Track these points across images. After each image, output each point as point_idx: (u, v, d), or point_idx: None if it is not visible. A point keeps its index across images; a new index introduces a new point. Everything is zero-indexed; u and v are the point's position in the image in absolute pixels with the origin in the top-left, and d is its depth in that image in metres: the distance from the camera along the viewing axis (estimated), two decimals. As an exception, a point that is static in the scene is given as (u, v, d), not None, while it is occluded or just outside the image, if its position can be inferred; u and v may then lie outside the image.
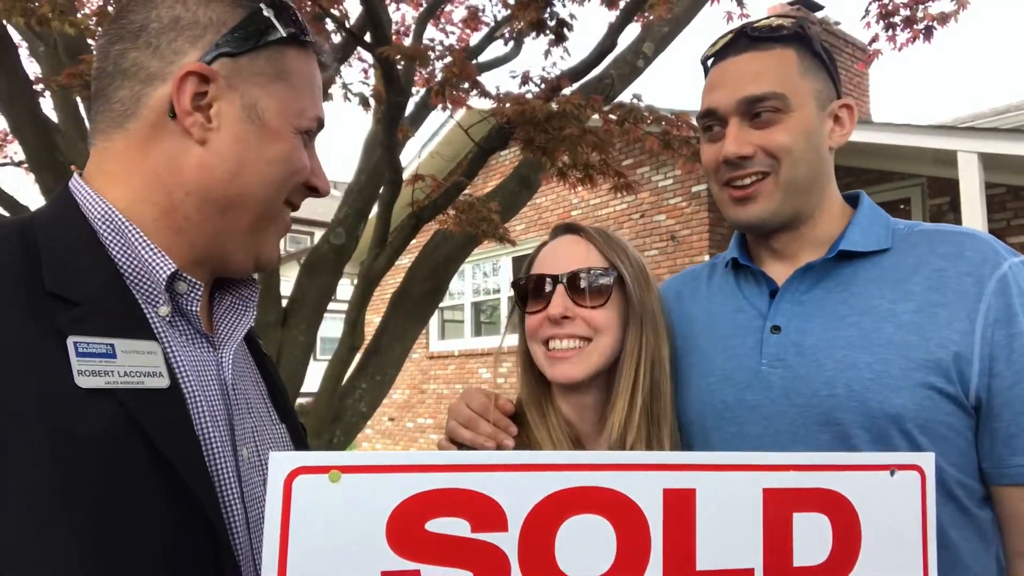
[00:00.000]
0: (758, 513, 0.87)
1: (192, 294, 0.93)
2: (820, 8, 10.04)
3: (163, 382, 0.84)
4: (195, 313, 0.94)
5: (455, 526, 0.78)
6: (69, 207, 0.90)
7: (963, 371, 1.11)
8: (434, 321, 12.71)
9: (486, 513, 0.78)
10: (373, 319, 6.14)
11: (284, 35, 0.96)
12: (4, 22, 3.27)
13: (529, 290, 1.32)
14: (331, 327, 7.36)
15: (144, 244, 0.90)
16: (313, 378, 4.70)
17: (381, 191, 4.39)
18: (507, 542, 0.79)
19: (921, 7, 4.39)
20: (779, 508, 0.88)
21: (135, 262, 0.89)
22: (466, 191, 4.38)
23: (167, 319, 0.90)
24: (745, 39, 1.27)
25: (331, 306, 5.47)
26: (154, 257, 0.89)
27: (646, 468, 0.84)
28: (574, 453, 0.84)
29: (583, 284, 1.27)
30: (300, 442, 1.12)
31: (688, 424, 1.33)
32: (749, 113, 1.23)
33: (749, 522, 0.87)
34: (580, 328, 1.27)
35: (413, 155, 11.42)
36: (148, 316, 0.88)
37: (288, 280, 4.76)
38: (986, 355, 1.11)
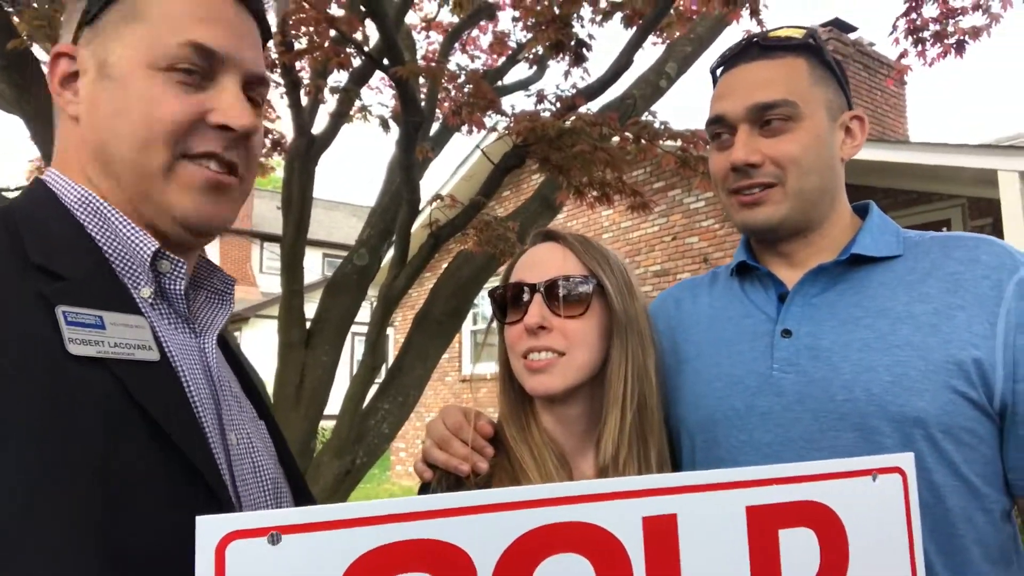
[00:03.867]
0: (742, 533, 0.82)
1: (176, 273, 0.92)
2: (854, 29, 9.90)
3: (153, 355, 0.83)
4: (179, 293, 0.93)
5: None
6: (45, 194, 0.91)
7: (986, 377, 1.08)
8: (467, 344, 12.70)
9: (451, 564, 0.71)
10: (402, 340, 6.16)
11: None
12: (30, 48, 3.37)
13: (508, 300, 1.28)
14: (362, 349, 7.42)
15: (125, 224, 0.90)
16: (341, 400, 4.71)
17: (400, 211, 4.41)
18: None
19: (951, 21, 4.29)
20: (764, 526, 0.83)
21: (117, 243, 0.89)
22: (497, 213, 4.37)
23: (149, 301, 0.89)
24: (756, 48, 1.27)
25: (363, 329, 5.49)
26: (136, 236, 0.89)
27: (623, 496, 0.79)
28: (543, 487, 0.78)
29: (561, 293, 1.23)
30: (280, 441, 1.10)
31: (689, 432, 1.29)
32: (759, 120, 1.22)
33: (734, 543, 0.82)
34: (556, 340, 1.22)
35: (445, 179, 11.54)
36: (133, 296, 0.88)
37: (316, 302, 4.79)
38: (1010, 360, 1.08)
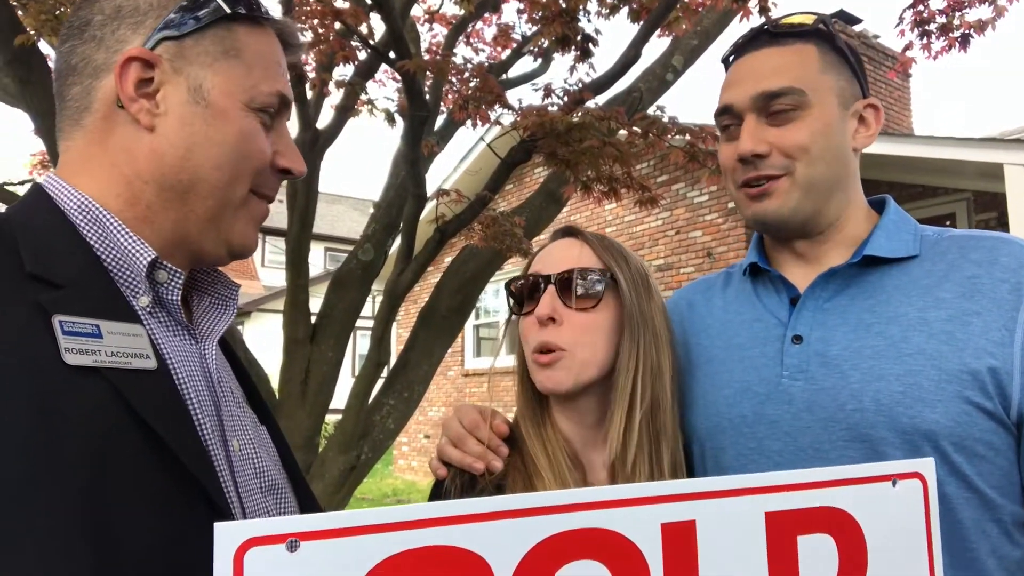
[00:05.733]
0: (761, 539, 0.81)
1: (173, 283, 0.92)
2: (859, 21, 9.87)
3: (151, 363, 0.83)
4: (176, 303, 0.92)
5: None
6: (43, 200, 0.90)
7: (1003, 386, 1.03)
8: (469, 339, 12.71)
9: (470, 570, 0.70)
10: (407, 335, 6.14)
11: (228, 12, 0.93)
12: (36, 43, 3.36)
13: (523, 292, 1.28)
14: (367, 344, 7.41)
15: (123, 232, 0.89)
16: (345, 394, 4.71)
17: (406, 206, 4.41)
18: None
19: (957, 14, 4.26)
20: (783, 532, 0.82)
21: (114, 251, 0.88)
22: (502, 207, 4.37)
23: (147, 309, 0.89)
24: (765, 36, 1.23)
25: (366, 324, 5.49)
26: (133, 245, 0.89)
27: (641, 502, 0.78)
28: (561, 493, 0.78)
29: (573, 285, 1.22)
30: (283, 446, 1.09)
31: (699, 439, 1.26)
32: (765, 109, 1.18)
33: (753, 550, 0.81)
34: (563, 335, 1.21)
35: (448, 173, 11.51)
36: (131, 304, 0.87)
37: (318, 297, 4.79)
38: None
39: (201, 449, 0.85)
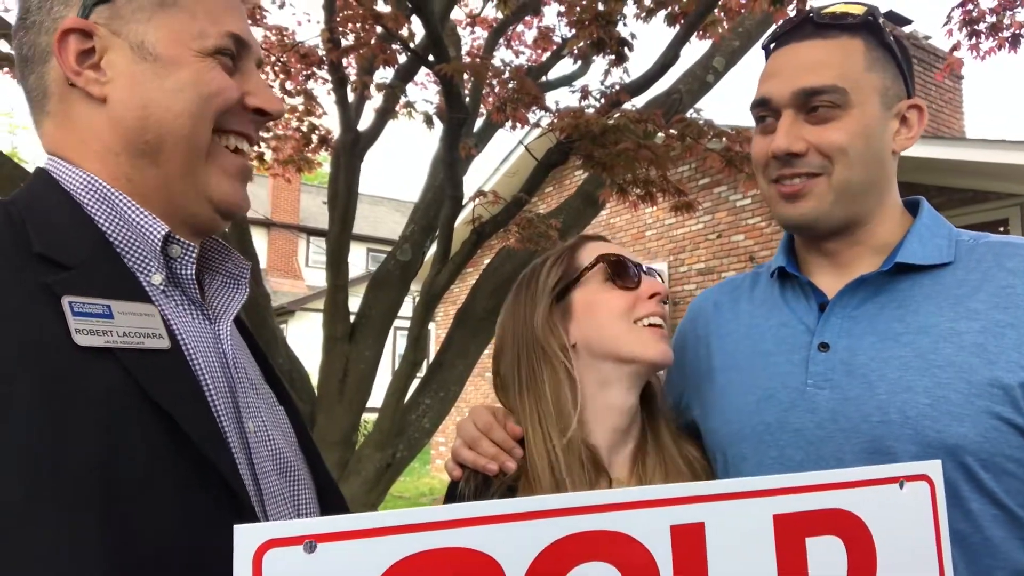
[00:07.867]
0: (770, 541, 0.82)
1: (186, 257, 0.90)
2: (908, 22, 9.66)
3: (163, 343, 0.82)
4: (190, 278, 0.91)
5: None
6: (48, 183, 0.89)
7: None
8: (508, 340, 12.70)
9: (483, 572, 0.72)
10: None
11: None
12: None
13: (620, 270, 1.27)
14: (404, 344, 7.47)
15: (134, 208, 0.88)
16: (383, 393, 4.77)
17: (443, 208, 4.45)
18: None
19: (1008, 13, 4.14)
20: (791, 534, 0.83)
21: (125, 229, 0.87)
22: (541, 209, 4.39)
23: (161, 288, 0.88)
24: (810, 25, 1.17)
25: (405, 324, 5.56)
26: (146, 220, 0.88)
27: (651, 504, 0.79)
28: (572, 496, 0.79)
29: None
30: (300, 427, 1.08)
31: (722, 446, 1.24)
32: (805, 106, 1.13)
33: (762, 552, 0.82)
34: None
35: (488, 175, 11.55)
36: (142, 284, 0.86)
37: (358, 296, 4.87)
38: None
39: (215, 430, 0.83)
